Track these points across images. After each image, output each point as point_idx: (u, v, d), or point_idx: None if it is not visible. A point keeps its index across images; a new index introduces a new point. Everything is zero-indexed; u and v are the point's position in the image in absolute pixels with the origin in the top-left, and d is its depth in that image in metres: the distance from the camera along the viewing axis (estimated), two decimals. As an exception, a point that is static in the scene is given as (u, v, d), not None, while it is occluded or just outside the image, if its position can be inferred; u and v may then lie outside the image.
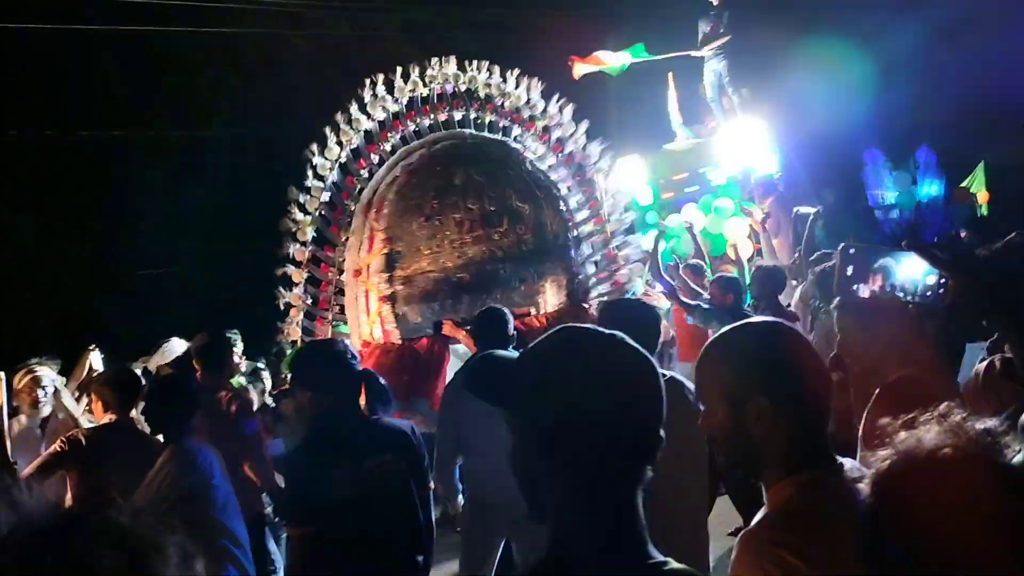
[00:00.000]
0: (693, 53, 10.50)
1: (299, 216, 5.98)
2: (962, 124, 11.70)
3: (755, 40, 10.56)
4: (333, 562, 2.78)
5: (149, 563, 0.72)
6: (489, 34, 12.57)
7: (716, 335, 1.58)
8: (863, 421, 2.67)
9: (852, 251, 1.27)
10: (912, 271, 1.21)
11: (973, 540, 0.97)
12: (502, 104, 6.42)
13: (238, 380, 5.38)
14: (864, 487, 1.07)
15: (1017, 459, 1.00)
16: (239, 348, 5.61)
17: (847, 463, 1.47)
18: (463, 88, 6.34)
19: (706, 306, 5.33)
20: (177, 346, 5.93)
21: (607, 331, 1.22)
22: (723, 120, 10.49)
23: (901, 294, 1.23)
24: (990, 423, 1.04)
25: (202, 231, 14.35)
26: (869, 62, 10.50)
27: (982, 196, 11.92)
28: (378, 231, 5.73)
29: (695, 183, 10.39)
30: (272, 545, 4.93)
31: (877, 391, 2.62)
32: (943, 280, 1.17)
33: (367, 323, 5.82)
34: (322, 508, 2.81)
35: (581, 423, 1.11)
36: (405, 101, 6.18)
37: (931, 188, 12.17)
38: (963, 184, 11.63)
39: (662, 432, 1.16)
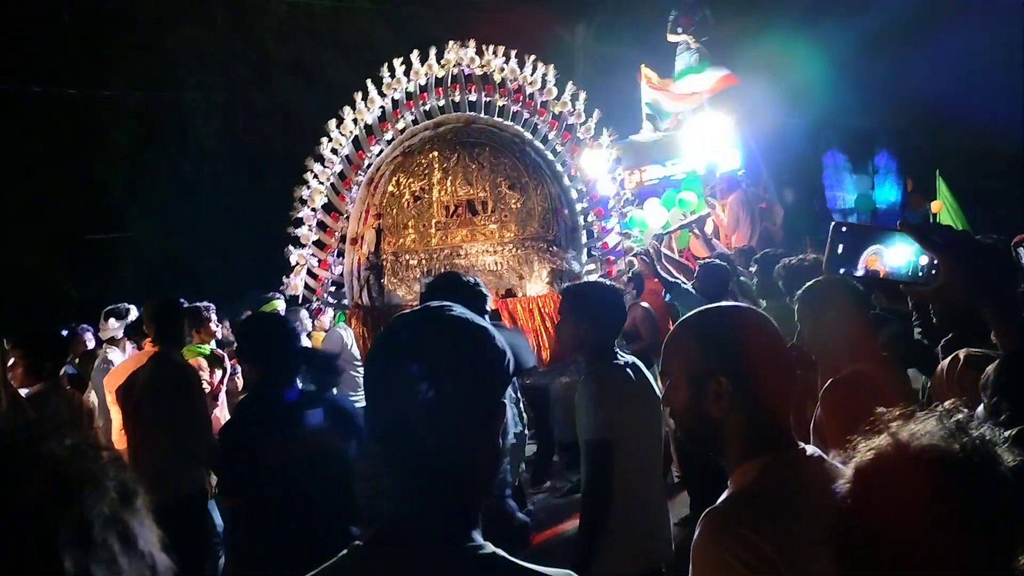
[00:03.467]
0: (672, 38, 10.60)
1: (312, 183, 5.97)
2: (921, 128, 11.92)
3: (720, 35, 10.63)
4: (266, 531, 2.82)
5: (81, 496, 0.68)
6: (458, 15, 12.44)
7: (688, 314, 1.59)
8: (815, 413, 2.73)
9: (844, 230, 1.25)
10: (901, 254, 1.21)
11: (939, 548, 0.96)
12: (516, 89, 6.37)
13: (198, 349, 5.31)
14: (847, 471, 1.07)
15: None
16: (214, 317, 5.64)
17: (809, 448, 1.48)
18: (478, 72, 6.29)
19: (687, 287, 5.34)
20: (111, 322, 5.96)
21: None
22: (691, 115, 10.56)
23: (887, 277, 1.23)
24: (991, 430, 1.03)
25: (157, 197, 13.99)
26: (827, 62, 10.63)
27: (935, 205, 12.20)
28: (372, 205, 5.87)
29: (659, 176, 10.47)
30: (217, 518, 4.89)
31: (829, 383, 2.67)
32: (935, 262, 1.18)
33: (357, 288, 5.98)
34: (251, 479, 2.85)
35: None
36: (422, 82, 6.16)
37: (889, 194, 12.41)
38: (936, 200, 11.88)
39: None
